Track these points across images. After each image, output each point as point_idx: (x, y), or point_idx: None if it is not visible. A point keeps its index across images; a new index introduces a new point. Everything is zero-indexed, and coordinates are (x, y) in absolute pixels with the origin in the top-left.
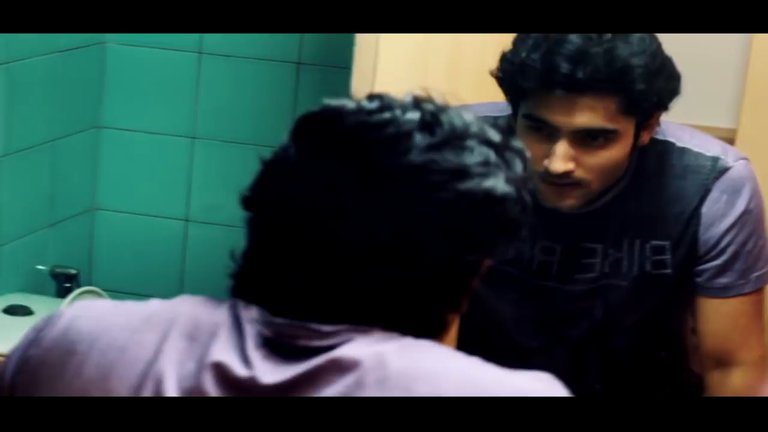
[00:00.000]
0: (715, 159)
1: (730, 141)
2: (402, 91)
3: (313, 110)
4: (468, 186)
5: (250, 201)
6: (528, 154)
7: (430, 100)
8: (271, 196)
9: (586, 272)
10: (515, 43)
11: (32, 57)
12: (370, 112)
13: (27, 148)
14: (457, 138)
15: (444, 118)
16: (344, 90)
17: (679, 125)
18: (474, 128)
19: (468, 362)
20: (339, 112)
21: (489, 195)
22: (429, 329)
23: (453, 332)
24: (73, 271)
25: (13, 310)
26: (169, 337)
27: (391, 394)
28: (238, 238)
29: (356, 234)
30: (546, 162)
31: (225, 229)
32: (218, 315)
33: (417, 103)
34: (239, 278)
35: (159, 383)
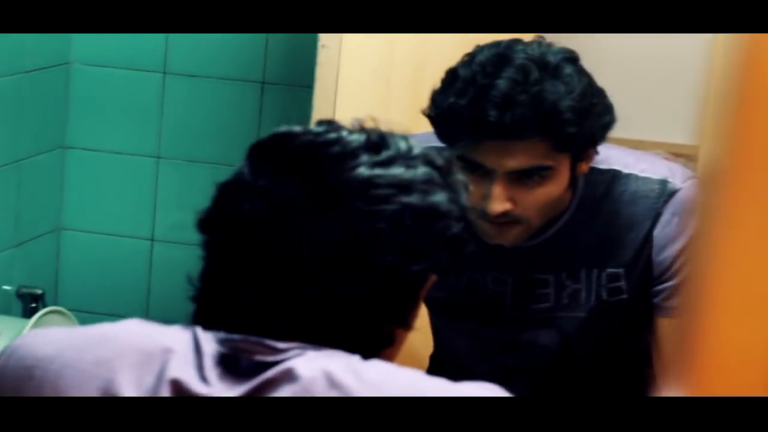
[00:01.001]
0: (663, 182)
1: (693, 158)
2: (364, 110)
3: (265, 136)
4: (412, 199)
5: (205, 222)
6: (469, 187)
7: (374, 127)
8: (226, 215)
9: (540, 302)
10: (444, 84)
11: None
12: (318, 134)
13: None
14: (402, 157)
15: (389, 140)
16: (307, 109)
17: (623, 149)
18: (417, 151)
19: (413, 374)
20: (289, 135)
21: (433, 209)
22: (377, 342)
23: (402, 351)
24: (39, 291)
25: None
26: (125, 355)
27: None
28: None
29: (307, 246)
30: (483, 203)
31: (190, 249)
32: (175, 334)
33: (362, 127)
34: (198, 301)
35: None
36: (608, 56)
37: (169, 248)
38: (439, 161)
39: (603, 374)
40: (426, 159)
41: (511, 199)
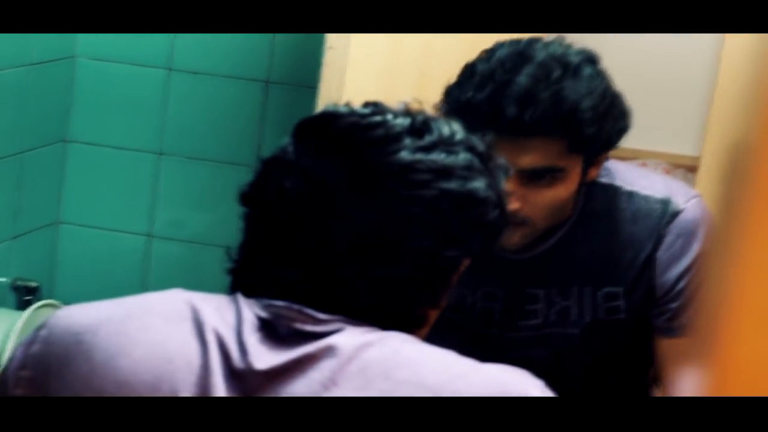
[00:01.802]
0: (666, 202)
1: (693, 169)
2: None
3: (313, 115)
4: (451, 186)
5: (247, 196)
6: (510, 171)
7: (421, 110)
8: (267, 191)
9: (529, 319)
10: (461, 78)
11: (1, 70)
12: (363, 116)
13: None
14: (445, 143)
15: (433, 125)
16: (311, 110)
17: (624, 164)
18: (460, 136)
19: (445, 353)
20: (334, 115)
21: (471, 195)
22: (409, 323)
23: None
24: (35, 285)
25: None
26: (170, 320)
27: (372, 380)
28: (200, 255)
29: (343, 227)
30: None
31: (187, 245)
32: (217, 301)
33: (407, 111)
34: (235, 273)
35: (170, 363)
36: (609, 66)
37: (167, 245)
38: (481, 147)
39: (597, 385)
40: (468, 144)
41: (520, 198)
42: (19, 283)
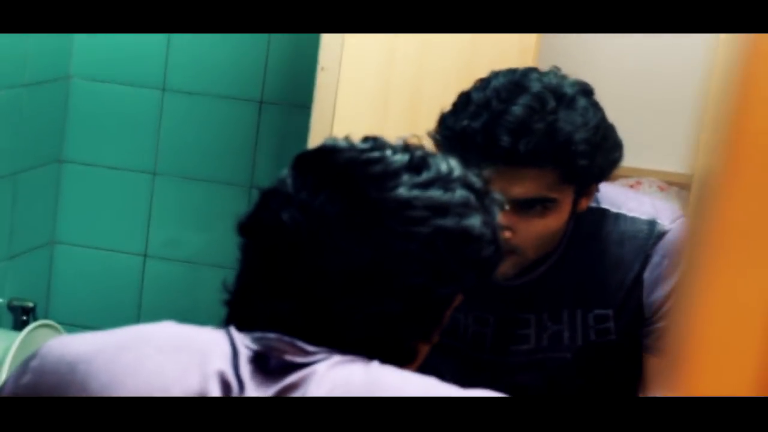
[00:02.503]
0: (652, 223)
1: (686, 186)
2: (361, 133)
3: (312, 148)
4: (447, 223)
5: (244, 227)
6: (505, 205)
7: (419, 146)
8: (264, 222)
9: (521, 344)
10: (456, 107)
11: None
12: (362, 151)
13: None
14: (442, 180)
15: (431, 161)
16: (304, 129)
17: (611, 186)
18: (457, 173)
19: (427, 379)
20: (333, 149)
21: (466, 233)
22: (400, 357)
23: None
24: (30, 305)
25: None
26: (165, 352)
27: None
28: (195, 275)
29: (339, 262)
30: None
31: (183, 265)
32: (211, 333)
33: (407, 147)
34: (231, 305)
35: (166, 392)
36: (605, 85)
37: (161, 264)
38: (477, 184)
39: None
40: (464, 181)
41: (511, 228)
42: (15, 303)
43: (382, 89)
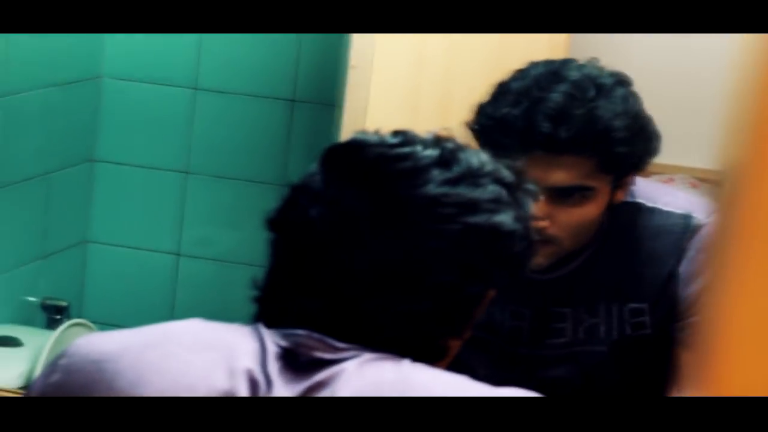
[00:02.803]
0: (687, 217)
1: (718, 183)
2: (392, 129)
3: (341, 142)
4: (477, 220)
5: (273, 222)
6: (539, 196)
7: (450, 139)
8: (293, 218)
9: (557, 337)
10: (495, 96)
11: (29, 90)
12: (392, 146)
13: (21, 180)
14: (472, 175)
15: (461, 155)
16: (336, 128)
17: (646, 181)
18: (489, 167)
19: (458, 377)
20: (363, 144)
21: (496, 230)
22: (432, 355)
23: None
24: (64, 304)
25: (2, 341)
26: (192, 350)
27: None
28: (228, 273)
29: (367, 259)
30: None
31: (215, 264)
32: (238, 330)
33: (437, 141)
34: (260, 302)
35: (192, 390)
36: (636, 82)
37: (194, 263)
38: (509, 178)
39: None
40: (495, 176)
41: (548, 217)
42: (48, 302)
43: (413, 87)
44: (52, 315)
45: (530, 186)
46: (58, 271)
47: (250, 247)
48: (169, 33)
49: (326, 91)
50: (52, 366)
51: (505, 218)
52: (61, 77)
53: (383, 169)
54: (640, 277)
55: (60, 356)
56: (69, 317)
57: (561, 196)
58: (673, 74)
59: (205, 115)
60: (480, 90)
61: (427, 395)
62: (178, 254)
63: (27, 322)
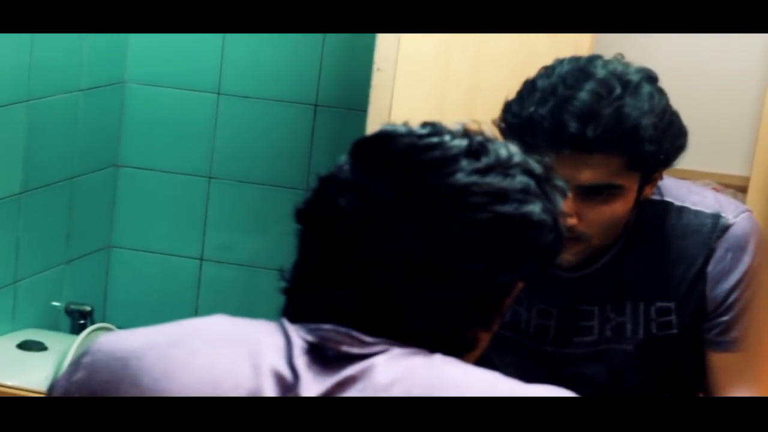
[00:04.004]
0: (716, 216)
1: (743, 189)
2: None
3: (370, 134)
4: (506, 209)
5: (302, 213)
6: (568, 192)
7: (479, 131)
8: (321, 209)
9: (584, 335)
10: (521, 94)
11: (53, 95)
12: (421, 136)
13: (45, 185)
14: (501, 165)
15: (490, 146)
16: (360, 132)
17: (674, 180)
18: (517, 158)
19: (490, 374)
20: (392, 135)
21: (526, 219)
22: (460, 346)
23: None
24: (88, 308)
25: (27, 346)
26: (218, 346)
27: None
28: (251, 278)
29: (396, 249)
30: None
31: (239, 269)
32: (264, 325)
33: (466, 132)
34: (288, 293)
35: (217, 387)
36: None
37: (218, 268)
38: (538, 170)
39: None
40: (524, 167)
41: (577, 214)
42: (72, 307)
43: (437, 90)
44: (77, 320)
45: (559, 182)
46: (83, 276)
47: (273, 252)
48: (193, 33)
49: (350, 95)
50: (75, 364)
51: (534, 208)
52: (84, 83)
53: (412, 159)
54: (667, 276)
55: (83, 354)
56: (93, 322)
57: (589, 193)
58: (697, 77)
59: (228, 119)
60: (505, 92)
61: (459, 391)
62: (202, 259)
63: (52, 326)
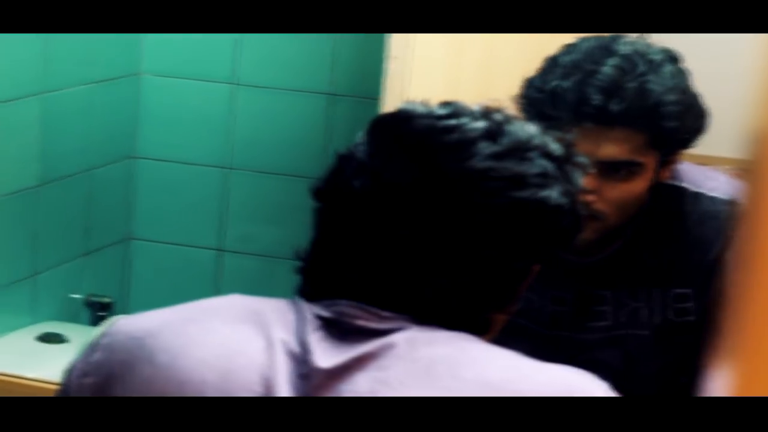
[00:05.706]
0: (733, 203)
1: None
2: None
3: (388, 112)
4: (523, 195)
5: (318, 191)
6: (589, 169)
7: (498, 110)
8: (337, 188)
9: (598, 320)
10: (544, 69)
11: (68, 87)
12: (439, 117)
13: (63, 177)
14: (519, 149)
15: (509, 128)
16: None
17: (691, 165)
18: (537, 141)
19: (511, 353)
20: (410, 116)
21: (542, 205)
22: (476, 327)
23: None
24: (108, 300)
25: (47, 338)
26: (230, 322)
27: (439, 378)
28: (271, 268)
29: (411, 232)
30: None
31: (259, 259)
32: (276, 303)
33: (485, 112)
34: (304, 272)
35: (231, 361)
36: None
37: (237, 259)
38: (558, 151)
39: (668, 387)
40: (543, 150)
41: (596, 191)
42: (92, 299)
43: (453, 78)
44: (97, 311)
45: (580, 158)
46: (102, 268)
47: (292, 242)
48: (207, 33)
49: (366, 84)
50: (93, 345)
51: (552, 193)
52: (100, 74)
53: (429, 142)
54: (683, 262)
55: (101, 335)
56: (113, 313)
57: (609, 170)
58: (716, 64)
59: (245, 110)
60: (521, 79)
61: (483, 370)
62: (221, 250)
63: (72, 318)
